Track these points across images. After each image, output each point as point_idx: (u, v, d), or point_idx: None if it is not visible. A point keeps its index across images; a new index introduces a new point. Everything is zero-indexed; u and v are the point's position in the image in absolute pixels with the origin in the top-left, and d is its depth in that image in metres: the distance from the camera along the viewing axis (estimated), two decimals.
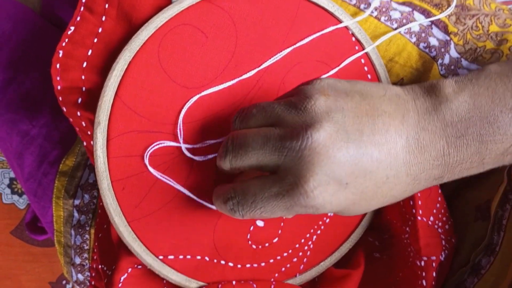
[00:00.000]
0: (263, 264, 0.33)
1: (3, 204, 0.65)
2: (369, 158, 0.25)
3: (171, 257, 0.31)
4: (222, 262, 0.32)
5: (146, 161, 0.30)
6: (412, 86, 0.28)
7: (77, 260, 0.39)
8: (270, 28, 0.32)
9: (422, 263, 0.32)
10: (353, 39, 0.33)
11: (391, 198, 0.27)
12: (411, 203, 0.32)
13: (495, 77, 0.27)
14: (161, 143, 0.31)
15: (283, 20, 0.32)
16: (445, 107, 0.26)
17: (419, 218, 0.32)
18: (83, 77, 0.32)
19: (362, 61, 0.34)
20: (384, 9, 0.35)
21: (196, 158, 0.31)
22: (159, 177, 0.30)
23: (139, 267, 0.32)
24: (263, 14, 0.32)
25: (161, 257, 0.31)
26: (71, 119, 0.33)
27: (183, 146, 0.31)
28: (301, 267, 0.34)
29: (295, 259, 0.34)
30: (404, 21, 0.35)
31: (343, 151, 0.24)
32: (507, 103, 0.26)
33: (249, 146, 0.25)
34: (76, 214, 0.39)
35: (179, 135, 0.31)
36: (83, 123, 0.32)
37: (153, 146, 0.30)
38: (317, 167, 0.24)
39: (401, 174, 0.26)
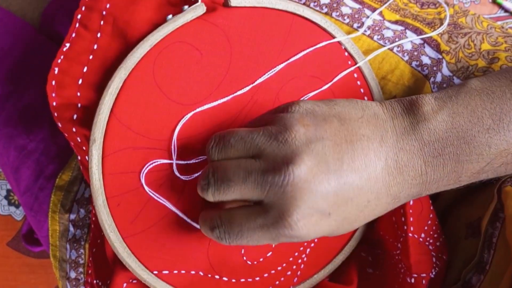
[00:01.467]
0: (257, 278, 0.33)
1: (0, 216, 0.66)
2: (350, 186, 0.25)
3: (165, 272, 0.32)
4: (217, 277, 0.33)
5: (143, 181, 0.31)
6: (391, 103, 0.29)
7: (72, 275, 0.40)
8: (264, 44, 0.32)
9: (413, 280, 0.32)
10: (346, 54, 0.34)
11: (373, 216, 0.28)
12: (403, 219, 0.33)
13: (475, 94, 0.27)
14: (155, 162, 0.31)
15: (277, 36, 0.33)
16: (423, 126, 0.27)
17: (410, 234, 0.32)
18: (78, 93, 0.32)
19: (355, 75, 0.34)
20: (377, 28, 0.35)
21: (182, 177, 0.31)
22: (154, 197, 0.31)
23: (134, 281, 0.33)
24: (257, 30, 0.32)
25: (155, 272, 0.31)
26: (66, 134, 0.33)
27: (174, 164, 0.31)
28: (295, 280, 0.34)
29: (289, 273, 0.34)
30: (397, 39, 0.35)
31: (325, 184, 0.25)
32: (484, 124, 0.27)
33: (230, 181, 0.26)
34: (71, 229, 0.39)
35: (173, 152, 0.31)
36: (78, 139, 0.33)
37: (148, 166, 0.31)
38: (300, 201, 0.25)
39: (382, 196, 0.27)
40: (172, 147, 0.31)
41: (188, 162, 0.31)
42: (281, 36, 0.33)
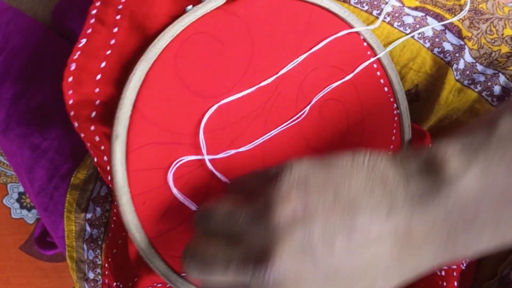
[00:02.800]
0: None
1: (12, 219, 0.65)
2: (343, 274, 0.22)
3: None
4: None
5: (170, 180, 0.30)
6: (404, 161, 0.23)
7: (91, 275, 0.39)
8: (285, 34, 0.32)
9: (443, 272, 0.31)
10: (365, 44, 0.33)
11: None
12: None
13: (509, 143, 0.22)
14: (184, 159, 0.30)
15: (297, 26, 0.32)
16: (449, 191, 0.21)
17: None
18: (97, 90, 0.31)
19: (374, 66, 0.34)
20: (397, 15, 0.35)
21: (218, 175, 0.30)
22: (181, 199, 0.30)
23: (159, 285, 0.32)
24: (278, 21, 0.32)
25: (184, 274, 0.30)
26: (82, 134, 0.32)
27: (207, 158, 0.30)
28: None
29: None
30: (417, 26, 0.34)
31: (310, 280, 0.22)
32: None
33: (211, 265, 0.23)
34: (88, 228, 0.38)
35: (202, 146, 0.30)
36: (97, 138, 0.32)
37: (177, 163, 0.30)
38: None
39: (390, 274, 0.23)
40: (200, 141, 0.30)
41: (218, 157, 0.31)
42: (301, 26, 0.32)
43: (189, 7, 0.30)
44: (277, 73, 0.32)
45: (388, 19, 0.34)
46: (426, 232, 0.22)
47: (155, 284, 0.31)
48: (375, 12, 0.34)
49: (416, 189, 0.22)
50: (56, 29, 0.42)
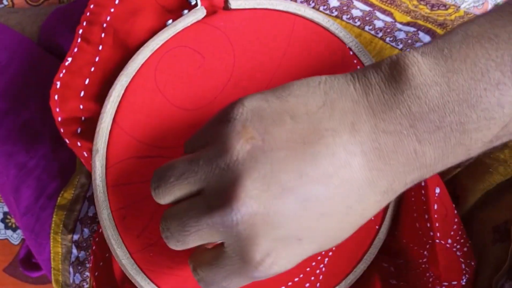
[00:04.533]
0: None
1: None
2: (315, 201, 0.21)
3: None
4: None
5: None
6: (365, 72, 0.22)
7: None
8: (267, 46, 0.32)
9: None
10: (351, 53, 0.33)
11: (364, 220, 0.23)
12: (428, 225, 0.31)
13: (473, 42, 0.21)
14: None
15: (280, 38, 0.32)
16: (410, 95, 0.21)
17: (437, 241, 0.31)
18: (81, 106, 0.31)
19: None
20: (388, 30, 0.35)
21: None
22: None
23: None
24: (260, 32, 0.32)
25: None
26: (75, 151, 0.32)
27: None
28: None
29: (307, 284, 0.32)
30: (409, 41, 0.35)
31: (281, 210, 0.21)
32: (491, 78, 0.21)
33: (184, 231, 0.22)
34: (74, 251, 0.37)
35: None
36: (85, 154, 0.31)
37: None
38: (257, 239, 0.21)
39: (366, 197, 0.22)
40: None
41: None
42: (284, 38, 0.32)
43: (169, 21, 0.31)
44: (260, 84, 0.31)
45: (380, 34, 0.35)
46: (395, 143, 0.21)
47: None
48: (367, 28, 0.35)
49: (378, 101, 0.21)
50: (44, 45, 0.41)
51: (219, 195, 0.21)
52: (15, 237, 0.63)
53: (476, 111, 0.21)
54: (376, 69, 0.22)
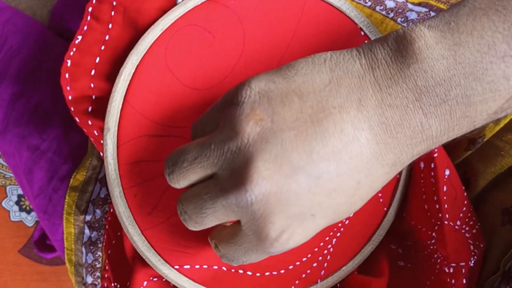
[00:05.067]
0: (282, 271, 0.32)
1: (11, 222, 0.64)
2: (326, 178, 0.21)
3: (187, 266, 0.30)
4: (240, 271, 0.31)
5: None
6: (371, 46, 0.22)
7: (89, 279, 0.38)
8: (278, 25, 0.31)
9: (451, 270, 0.31)
10: (362, 33, 0.33)
11: (374, 192, 0.24)
12: (437, 207, 0.31)
13: (480, 15, 0.21)
14: None
15: (290, 17, 0.32)
16: (416, 69, 0.21)
17: (446, 222, 0.31)
18: (92, 85, 0.31)
19: None
20: (400, 10, 0.34)
21: None
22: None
23: (155, 279, 0.31)
24: (270, 11, 0.31)
25: (176, 266, 0.30)
26: (85, 130, 0.32)
27: None
28: (322, 272, 0.33)
29: (315, 264, 0.33)
30: (421, 21, 0.34)
31: (293, 188, 0.21)
32: (498, 51, 0.21)
33: (201, 214, 0.23)
34: (87, 231, 0.38)
35: None
36: (95, 132, 0.32)
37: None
38: (272, 217, 0.22)
39: (375, 170, 0.22)
40: None
41: None
42: (294, 17, 0.32)
43: (179, 0, 0.30)
44: (269, 63, 0.31)
45: (391, 14, 0.34)
46: (401, 116, 0.21)
47: (151, 278, 0.31)
48: (378, 8, 0.34)
49: (384, 75, 0.21)
50: (55, 29, 0.41)
51: (232, 178, 0.22)
52: (30, 219, 0.64)
53: (482, 83, 0.21)
54: (383, 43, 0.22)
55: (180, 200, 0.25)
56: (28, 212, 0.65)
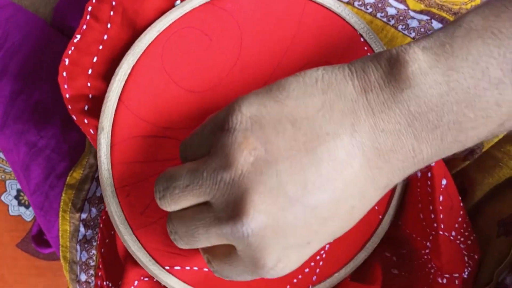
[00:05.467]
0: None
1: (9, 216, 0.65)
2: (322, 207, 0.21)
3: (177, 268, 0.30)
4: None
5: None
6: (363, 66, 0.22)
7: (83, 277, 0.38)
8: (276, 30, 0.31)
9: (444, 280, 0.30)
10: (361, 39, 0.33)
11: (365, 212, 0.24)
12: (432, 216, 0.31)
13: (475, 37, 0.21)
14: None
15: (289, 21, 0.31)
16: (409, 95, 0.21)
17: (440, 232, 0.31)
18: (89, 84, 0.32)
19: None
20: (401, 18, 0.34)
21: None
22: None
23: (146, 279, 0.31)
24: (268, 15, 0.31)
25: (167, 267, 0.30)
26: (82, 128, 0.33)
27: None
28: (314, 278, 0.33)
29: (307, 270, 0.33)
30: (422, 30, 0.34)
31: (290, 220, 0.21)
32: (491, 77, 0.20)
33: (193, 237, 0.23)
34: (82, 229, 0.38)
35: None
36: (91, 131, 0.32)
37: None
38: (269, 249, 0.21)
39: (368, 194, 0.22)
40: None
41: None
42: (293, 22, 0.31)
43: (177, 2, 0.31)
44: (267, 68, 0.31)
45: (392, 22, 0.34)
46: (393, 142, 0.21)
47: (142, 278, 0.31)
48: (379, 15, 0.34)
49: (377, 98, 0.21)
50: (57, 27, 0.42)
51: (227, 209, 0.21)
52: (28, 214, 0.65)
53: (474, 110, 0.21)
54: (375, 63, 0.22)
55: (171, 219, 0.24)
56: (27, 206, 0.65)
